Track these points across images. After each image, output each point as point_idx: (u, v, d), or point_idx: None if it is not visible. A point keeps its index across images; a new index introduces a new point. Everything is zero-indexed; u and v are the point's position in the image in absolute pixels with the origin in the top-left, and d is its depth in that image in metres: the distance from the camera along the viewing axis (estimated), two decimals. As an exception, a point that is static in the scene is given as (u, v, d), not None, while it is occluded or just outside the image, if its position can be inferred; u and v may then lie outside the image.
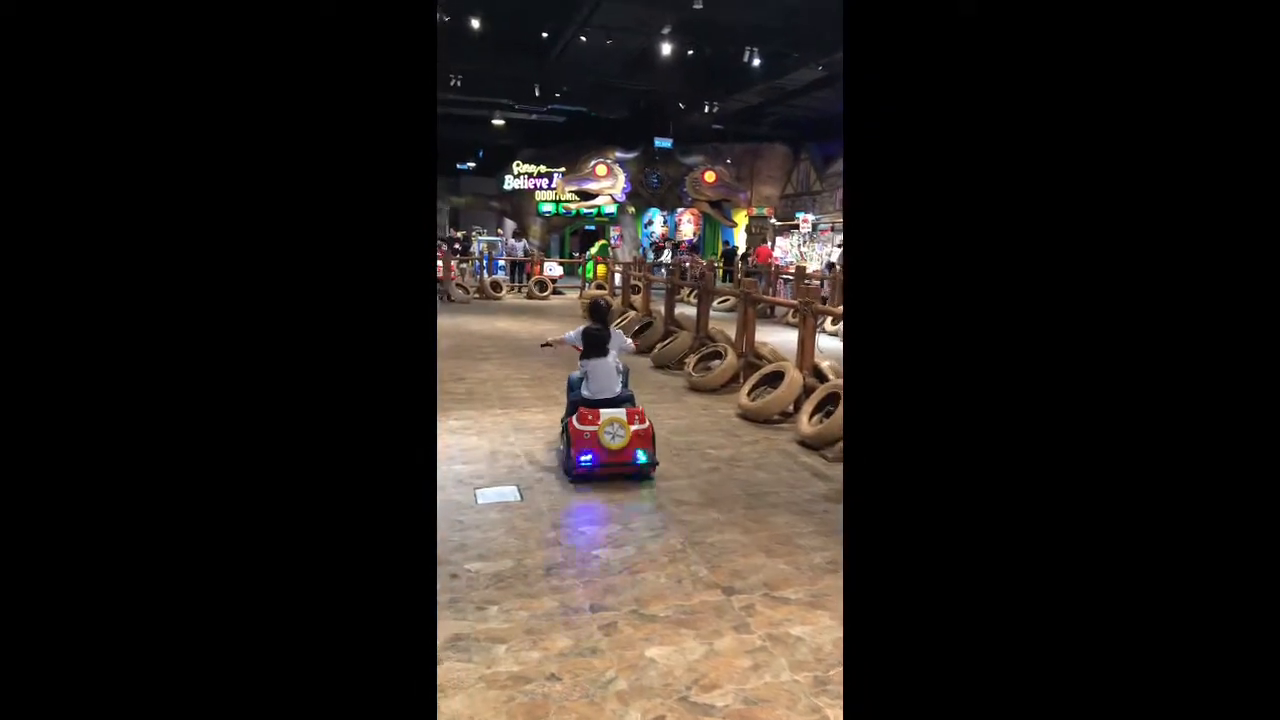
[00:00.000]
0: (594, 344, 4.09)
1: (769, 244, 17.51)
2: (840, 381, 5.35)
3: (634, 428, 3.79)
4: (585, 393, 4.04)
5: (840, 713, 2.08)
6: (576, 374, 4.26)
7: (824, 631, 2.46)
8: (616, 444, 3.74)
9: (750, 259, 16.29)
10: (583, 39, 12.41)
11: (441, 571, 2.89)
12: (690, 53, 13.36)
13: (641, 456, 3.80)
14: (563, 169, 17.71)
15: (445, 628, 2.47)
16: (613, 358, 4.12)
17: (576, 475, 3.80)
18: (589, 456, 3.75)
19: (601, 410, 3.85)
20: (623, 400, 4.01)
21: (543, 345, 4.96)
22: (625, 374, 4.21)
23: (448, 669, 2.23)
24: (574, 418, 3.86)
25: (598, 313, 4.40)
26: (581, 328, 4.30)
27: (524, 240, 17.00)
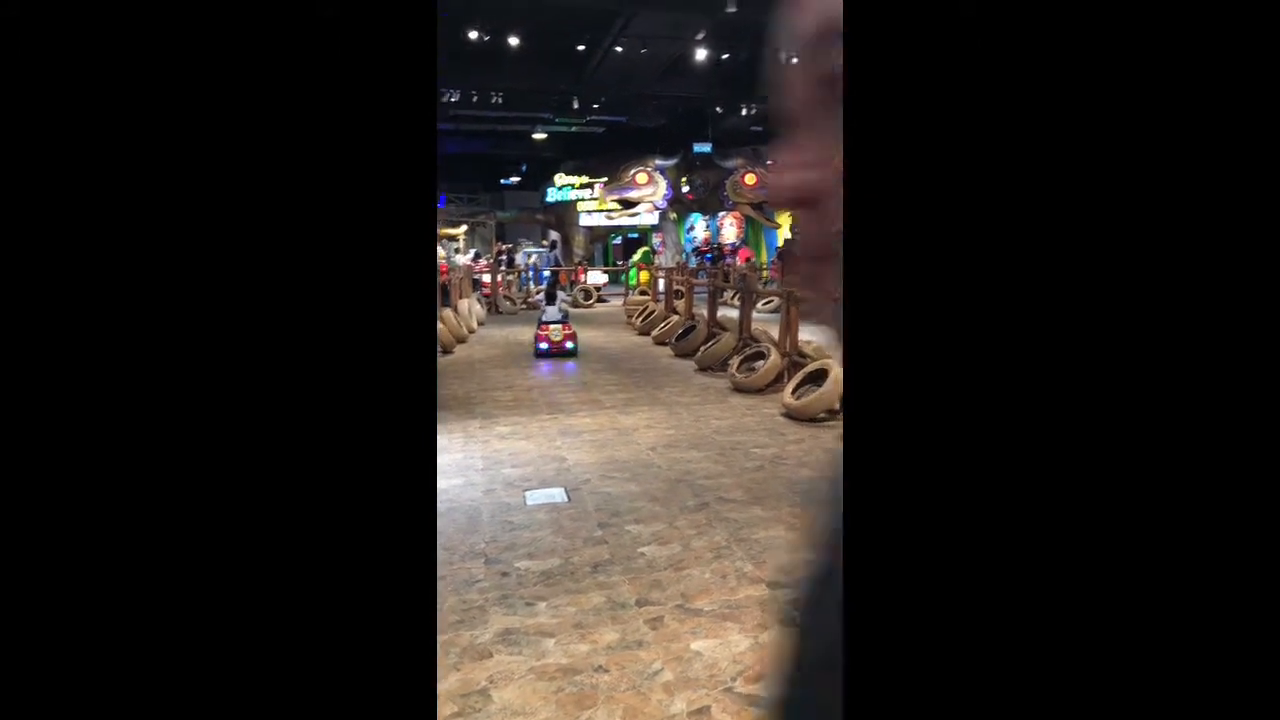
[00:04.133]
0: (549, 298, 10.20)
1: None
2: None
3: (565, 332, 8.56)
4: (544, 319, 8.92)
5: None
6: (540, 313, 9.48)
7: (870, 623, 2.45)
8: (557, 338, 8.49)
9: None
10: (618, 49, 12.56)
11: (492, 570, 2.98)
12: (725, 56, 13.38)
13: (569, 345, 8.51)
14: (604, 179, 17.89)
15: (496, 623, 2.55)
16: (558, 304, 9.63)
17: (539, 354, 8.45)
18: (545, 345, 8.45)
19: (550, 325, 8.65)
20: (560, 321, 8.82)
21: (534, 295, 13.10)
22: (566, 313, 9.36)
23: (498, 661, 2.31)
24: (539, 330, 8.67)
25: (552, 286, 10.49)
26: (544, 288, 10.45)
27: (554, 251, 17.19)
